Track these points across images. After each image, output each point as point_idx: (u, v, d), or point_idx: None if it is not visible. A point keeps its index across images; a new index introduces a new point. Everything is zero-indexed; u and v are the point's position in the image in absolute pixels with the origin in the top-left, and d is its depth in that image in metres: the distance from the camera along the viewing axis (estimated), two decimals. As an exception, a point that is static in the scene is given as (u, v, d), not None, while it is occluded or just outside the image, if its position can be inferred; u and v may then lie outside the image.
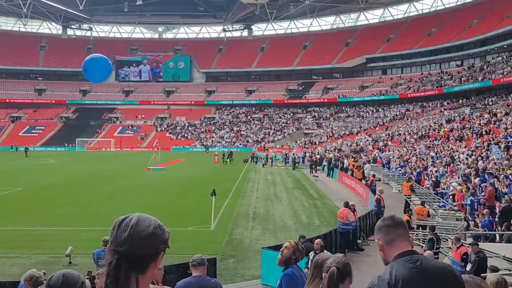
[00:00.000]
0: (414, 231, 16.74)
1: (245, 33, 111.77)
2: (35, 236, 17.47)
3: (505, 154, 24.40)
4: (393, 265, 2.71)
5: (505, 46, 66.74)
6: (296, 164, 49.12)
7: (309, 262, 11.16)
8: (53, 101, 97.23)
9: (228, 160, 52.33)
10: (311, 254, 11.46)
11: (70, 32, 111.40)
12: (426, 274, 2.59)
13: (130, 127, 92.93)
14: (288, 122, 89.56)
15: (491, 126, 38.87)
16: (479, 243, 12.38)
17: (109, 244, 1.78)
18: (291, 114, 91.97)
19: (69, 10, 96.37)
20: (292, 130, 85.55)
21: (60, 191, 28.74)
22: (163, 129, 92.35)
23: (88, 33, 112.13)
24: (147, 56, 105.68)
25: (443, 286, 2.60)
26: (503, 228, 14.26)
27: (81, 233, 17.32)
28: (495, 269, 9.18)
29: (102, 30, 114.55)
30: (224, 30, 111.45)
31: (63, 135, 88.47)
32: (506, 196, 16.20)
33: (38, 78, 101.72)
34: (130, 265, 1.73)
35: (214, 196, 18.69)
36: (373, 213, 19.27)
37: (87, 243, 14.97)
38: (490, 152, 27.38)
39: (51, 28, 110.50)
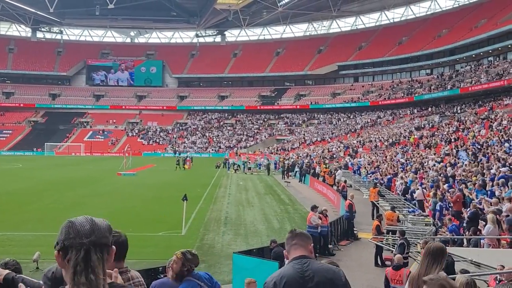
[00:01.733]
0: (384, 235, 16.91)
1: (218, 38, 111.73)
2: (1, 241, 17.10)
3: (472, 160, 24.89)
4: (283, 267, 3.37)
5: (473, 56, 68.27)
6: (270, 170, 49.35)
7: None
8: (21, 105, 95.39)
9: (183, 166, 51.36)
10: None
11: (39, 35, 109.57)
12: (310, 273, 3.21)
13: (101, 132, 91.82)
14: (261, 128, 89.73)
15: (460, 133, 39.67)
16: (447, 247, 12.56)
17: (69, 241, 1.88)
18: (264, 120, 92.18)
19: (39, 12, 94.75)
20: (265, 136, 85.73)
21: (28, 197, 28.18)
22: (135, 134, 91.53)
23: (59, 36, 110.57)
24: (117, 62, 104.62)
25: (322, 283, 3.19)
26: (470, 233, 14.50)
27: (49, 238, 16.93)
28: (465, 273, 9.32)
29: (72, 34, 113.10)
30: (197, 36, 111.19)
31: (32, 139, 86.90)
32: (473, 202, 16.49)
33: (6, 81, 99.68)
34: (99, 252, 1.90)
35: (185, 201, 18.57)
36: (344, 218, 19.43)
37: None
38: (459, 158, 27.91)
39: (20, 30, 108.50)
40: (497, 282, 9.05)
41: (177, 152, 76.00)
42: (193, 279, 4.76)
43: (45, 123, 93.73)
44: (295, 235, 3.51)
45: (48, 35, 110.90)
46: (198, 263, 4.88)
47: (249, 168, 51.92)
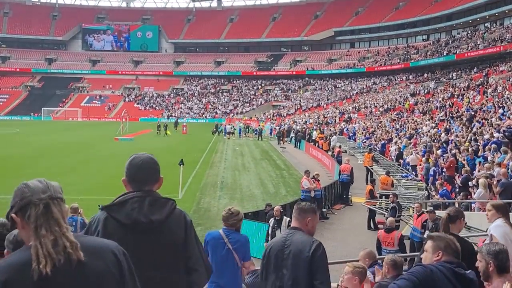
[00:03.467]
0: (377, 200, 17.27)
1: (214, 3, 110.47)
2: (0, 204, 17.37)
3: (465, 128, 25.12)
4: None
5: (470, 21, 67.90)
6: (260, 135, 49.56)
7: (269, 228, 11.62)
8: (17, 69, 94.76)
9: (165, 131, 49.93)
10: (271, 220, 11.87)
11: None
12: (289, 242, 3.80)
13: (97, 97, 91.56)
14: (257, 94, 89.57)
15: (455, 99, 39.84)
16: (438, 211, 12.91)
17: (26, 199, 1.93)
18: (260, 86, 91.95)
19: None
20: (261, 102, 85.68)
21: (25, 161, 28.38)
22: (131, 100, 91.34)
23: (53, 0, 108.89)
24: (112, 26, 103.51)
25: (293, 252, 3.76)
26: (461, 197, 14.83)
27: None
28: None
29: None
30: (193, 0, 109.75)
31: (29, 104, 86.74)
32: (465, 167, 16.78)
33: (2, 46, 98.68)
34: (58, 205, 1.95)
35: (182, 165, 18.84)
36: (343, 182, 19.77)
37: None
38: (452, 125, 28.16)
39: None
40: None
41: (169, 117, 75.76)
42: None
43: (41, 88, 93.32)
44: (296, 209, 4.01)
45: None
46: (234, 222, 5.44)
47: (245, 134, 52.14)
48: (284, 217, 11.94)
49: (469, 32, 66.43)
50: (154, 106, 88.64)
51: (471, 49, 58.56)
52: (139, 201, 2.69)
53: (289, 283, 3.73)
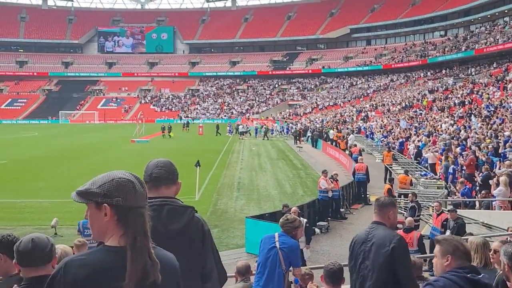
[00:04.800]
0: (396, 199, 17.00)
1: (228, 3, 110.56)
2: (19, 208, 17.49)
3: (485, 124, 24.71)
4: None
5: (488, 16, 66.93)
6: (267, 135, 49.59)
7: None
8: (35, 74, 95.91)
9: (168, 133, 49.23)
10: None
11: (50, 2, 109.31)
12: (371, 236, 4.07)
13: (114, 99, 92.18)
14: (273, 93, 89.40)
15: (474, 96, 39.26)
16: (459, 210, 12.66)
17: (131, 202, 1.92)
18: (276, 85, 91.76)
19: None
20: (277, 102, 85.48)
21: (44, 164, 28.62)
22: (147, 101, 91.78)
23: (69, 4, 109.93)
24: (127, 28, 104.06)
25: (375, 245, 4.00)
26: (482, 195, 14.54)
27: (66, 204, 17.30)
28: (470, 235, 9.43)
29: (83, 1, 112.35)
30: (207, 1, 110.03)
31: (46, 107, 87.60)
32: (486, 165, 16.47)
33: (19, 50, 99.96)
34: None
35: (198, 167, 18.76)
36: (359, 182, 19.50)
37: (72, 214, 15.00)
38: (471, 121, 27.74)
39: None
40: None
41: (182, 118, 75.80)
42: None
43: (58, 92, 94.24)
44: (376, 204, 4.28)
45: (59, 3, 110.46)
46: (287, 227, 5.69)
47: (265, 134, 51.82)
48: (301, 218, 11.76)
49: (488, 27, 65.46)
50: (170, 107, 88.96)
51: (490, 44, 57.69)
52: (157, 209, 2.66)
53: (370, 274, 4.04)
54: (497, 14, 65.48)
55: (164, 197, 2.75)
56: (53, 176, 24.31)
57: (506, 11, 63.62)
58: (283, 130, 55.82)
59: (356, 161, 23.27)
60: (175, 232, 2.67)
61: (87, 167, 27.26)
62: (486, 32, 63.55)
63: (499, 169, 15.79)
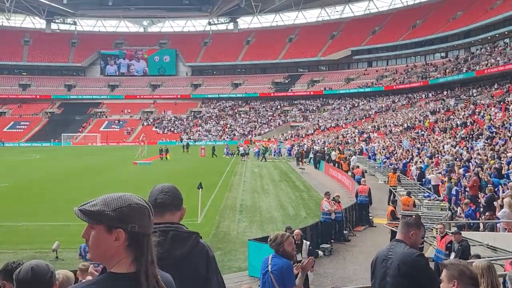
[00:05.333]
0: (399, 221, 16.87)
1: (230, 26, 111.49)
2: (20, 231, 17.42)
3: (488, 145, 24.68)
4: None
5: (489, 38, 67.32)
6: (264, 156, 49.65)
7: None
8: (38, 96, 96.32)
9: (165, 156, 48.72)
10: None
11: (54, 26, 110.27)
12: (391, 254, 4.11)
13: (116, 121, 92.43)
14: (275, 115, 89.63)
15: (476, 117, 39.29)
16: (463, 232, 12.56)
17: (143, 229, 1.89)
18: (278, 107, 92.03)
19: (52, 4, 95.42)
20: (279, 123, 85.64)
21: (46, 186, 28.60)
22: (150, 123, 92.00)
23: (73, 27, 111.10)
24: (130, 51, 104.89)
25: (395, 262, 4.04)
26: (486, 217, 14.45)
27: (67, 228, 17.25)
28: (477, 257, 9.33)
29: (86, 24, 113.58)
30: (209, 24, 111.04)
31: (49, 130, 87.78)
32: (489, 186, 16.39)
33: (23, 73, 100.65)
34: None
35: (200, 189, 18.71)
36: (361, 204, 19.40)
37: (73, 237, 14.92)
38: (474, 143, 27.69)
39: (35, 22, 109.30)
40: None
41: (183, 140, 75.62)
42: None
43: (61, 114, 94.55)
44: (401, 222, 4.40)
45: (62, 27, 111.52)
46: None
47: (263, 155, 51.99)
48: (304, 241, 11.68)
49: (488, 48, 65.83)
50: (172, 129, 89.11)
51: (491, 65, 57.94)
52: (161, 235, 2.62)
53: None
54: (497, 36, 65.88)
55: (168, 222, 2.73)
56: (54, 199, 24.26)
57: (506, 33, 63.99)
58: (279, 152, 55.75)
59: (359, 182, 23.20)
60: (180, 258, 2.65)
61: (89, 189, 27.20)
62: (487, 53, 63.88)
63: (503, 192, 15.71)
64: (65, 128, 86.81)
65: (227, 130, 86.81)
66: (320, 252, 14.49)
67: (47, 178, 33.26)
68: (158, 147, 53.17)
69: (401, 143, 39.17)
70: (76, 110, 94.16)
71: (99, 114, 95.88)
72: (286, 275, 5.46)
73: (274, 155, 54.37)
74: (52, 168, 39.63)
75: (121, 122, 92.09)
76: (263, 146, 55.76)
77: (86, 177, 33.49)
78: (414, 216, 4.70)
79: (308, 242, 11.92)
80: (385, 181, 27.47)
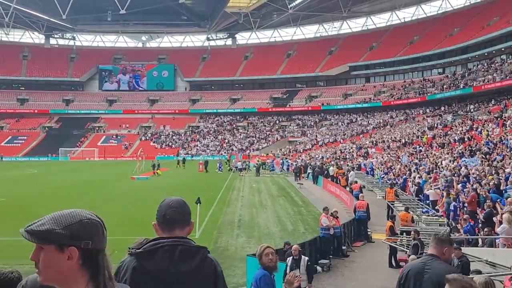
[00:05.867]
0: (398, 236, 16.85)
1: (229, 41, 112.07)
2: (17, 246, 17.23)
3: (486, 161, 24.69)
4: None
5: (486, 54, 67.73)
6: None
7: (287, 267, 11.25)
8: (35, 111, 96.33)
9: (156, 171, 48.33)
10: (289, 259, 11.53)
11: (53, 41, 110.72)
12: (428, 268, 4.10)
13: (114, 136, 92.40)
14: (273, 130, 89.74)
15: (473, 132, 39.38)
16: (462, 247, 12.51)
17: (103, 245, 1.86)
18: (276, 122, 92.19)
19: (52, 19, 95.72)
20: (277, 138, 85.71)
21: (43, 201, 28.42)
22: (147, 138, 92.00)
23: (71, 43, 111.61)
24: (128, 66, 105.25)
25: (432, 278, 3.98)
26: (485, 232, 14.41)
27: (65, 243, 17.10)
28: (478, 272, 9.29)
29: (85, 39, 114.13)
30: (208, 39, 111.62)
31: (46, 145, 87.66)
32: (487, 201, 16.38)
33: (21, 88, 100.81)
34: None
35: (198, 204, 18.63)
36: (359, 219, 19.35)
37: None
38: (468, 162, 27.71)
39: (34, 37, 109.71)
40: (512, 282, 8.99)
41: (179, 154, 75.16)
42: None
43: (59, 129, 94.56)
44: (434, 238, 4.38)
45: (61, 42, 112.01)
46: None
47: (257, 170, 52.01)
48: (303, 256, 11.62)
49: (485, 64, 66.22)
50: (170, 144, 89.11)
51: (488, 81, 58.23)
52: (170, 250, 2.62)
53: None
54: (494, 52, 66.29)
55: (177, 237, 2.70)
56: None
57: (503, 49, 64.43)
58: (286, 167, 55.64)
59: (357, 198, 23.17)
60: (188, 273, 2.63)
61: (87, 204, 27.10)
62: (484, 69, 64.23)
63: (501, 208, 15.68)
64: (62, 142, 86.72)
65: (225, 145, 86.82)
66: (319, 268, 14.41)
67: (44, 193, 33.10)
68: (151, 163, 51.95)
69: (399, 159, 39.18)
70: (74, 125, 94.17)
71: (97, 129, 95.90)
72: (262, 283, 5.59)
73: (273, 170, 54.26)
74: (48, 183, 39.48)
75: (119, 137, 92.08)
76: (258, 161, 55.78)
77: (83, 192, 33.36)
78: (446, 233, 4.70)
79: (307, 258, 11.86)
80: (383, 197, 27.43)
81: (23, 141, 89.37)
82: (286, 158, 61.01)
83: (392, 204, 23.18)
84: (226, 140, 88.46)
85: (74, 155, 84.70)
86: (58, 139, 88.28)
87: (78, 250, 1.74)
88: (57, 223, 1.76)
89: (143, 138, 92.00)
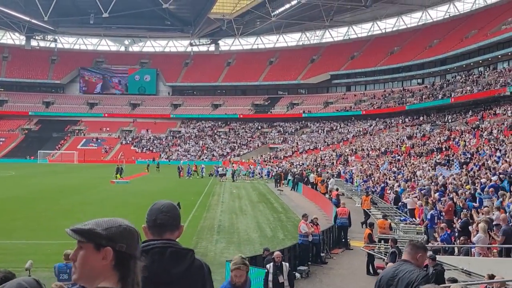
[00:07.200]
0: (376, 244, 17.03)
1: (212, 47, 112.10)
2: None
3: (464, 170, 25.11)
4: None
5: (464, 66, 68.91)
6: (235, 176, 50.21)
7: (269, 274, 11.35)
8: (15, 113, 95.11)
9: (117, 175, 46.20)
10: (270, 266, 11.62)
11: (34, 43, 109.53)
12: (398, 272, 4.25)
13: (94, 139, 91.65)
14: (254, 136, 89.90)
15: (451, 143, 39.98)
16: (438, 256, 12.72)
17: (138, 252, 1.98)
18: (257, 128, 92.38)
19: (33, 21, 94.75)
20: (258, 145, 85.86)
21: (20, 204, 28.11)
22: (128, 142, 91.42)
23: (53, 45, 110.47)
24: (110, 70, 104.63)
25: (402, 280, 4.13)
26: (461, 241, 14.65)
27: (42, 246, 17.01)
28: (454, 281, 9.49)
29: (67, 42, 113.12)
30: (191, 45, 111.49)
31: (25, 147, 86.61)
32: (464, 211, 16.67)
33: (0, 89, 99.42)
34: None
35: (179, 209, 18.61)
36: (340, 226, 19.50)
37: (48, 257, 14.73)
38: (448, 169, 28.14)
39: (15, 38, 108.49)
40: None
41: (154, 160, 73.73)
42: None
43: (38, 131, 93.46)
44: (408, 244, 4.59)
45: (42, 43, 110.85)
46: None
47: (239, 175, 52.32)
48: (284, 263, 11.72)
49: (463, 76, 67.35)
50: (151, 148, 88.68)
51: (466, 93, 59.20)
52: (159, 253, 2.65)
53: None
54: (472, 64, 67.49)
55: (166, 239, 2.74)
56: (29, 217, 23.89)
57: (480, 61, 65.64)
58: (260, 173, 55.83)
59: (336, 205, 23.37)
60: (178, 275, 2.67)
61: (65, 207, 26.89)
62: (462, 81, 65.31)
63: (477, 217, 15.98)
64: (42, 145, 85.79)
65: (205, 150, 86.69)
66: (297, 274, 14.52)
67: (22, 195, 32.69)
68: (115, 167, 49.00)
69: (378, 167, 39.56)
70: (54, 127, 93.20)
71: (77, 131, 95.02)
72: None
73: (252, 176, 54.34)
74: (27, 186, 39.00)
75: (99, 140, 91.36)
76: (232, 166, 55.87)
77: (62, 195, 33.05)
78: (420, 240, 4.90)
79: (287, 264, 11.97)
80: (361, 204, 27.68)
81: (1, 143, 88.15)
82: (269, 166, 61.15)
83: (369, 212, 23.44)
84: (207, 146, 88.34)
85: (53, 157, 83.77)
86: (37, 142, 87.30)
87: (113, 251, 1.87)
88: (98, 225, 1.90)
89: (123, 142, 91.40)
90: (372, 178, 34.59)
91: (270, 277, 11.37)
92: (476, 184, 20.66)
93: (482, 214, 15.69)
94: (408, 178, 29.30)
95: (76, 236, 1.89)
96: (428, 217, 18.55)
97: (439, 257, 12.51)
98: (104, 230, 1.89)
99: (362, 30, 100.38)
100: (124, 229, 1.92)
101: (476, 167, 25.38)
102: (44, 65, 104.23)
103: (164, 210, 2.81)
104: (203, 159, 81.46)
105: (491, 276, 9.50)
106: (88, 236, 1.88)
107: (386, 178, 32.24)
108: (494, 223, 14.28)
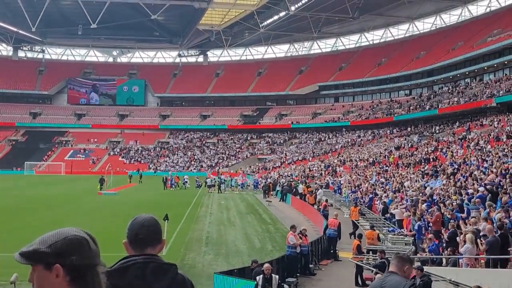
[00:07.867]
0: (365, 255, 17.05)
1: (200, 58, 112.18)
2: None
3: (451, 181, 25.24)
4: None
5: (450, 77, 69.61)
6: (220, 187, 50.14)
7: (258, 286, 11.31)
8: (1, 124, 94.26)
9: (101, 186, 46.29)
10: (259, 278, 11.60)
11: (21, 53, 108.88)
12: (385, 283, 4.28)
13: (82, 150, 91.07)
14: (242, 147, 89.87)
15: (438, 153, 40.24)
16: (426, 267, 12.76)
17: (94, 261, 1.87)
18: (246, 139, 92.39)
19: (20, 31, 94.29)
20: (246, 155, 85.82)
21: (6, 216, 27.81)
22: (116, 153, 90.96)
23: (40, 55, 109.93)
24: (98, 81, 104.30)
25: None
26: (448, 252, 14.71)
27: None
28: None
29: (54, 53, 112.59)
30: (179, 56, 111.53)
31: (11, 158, 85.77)
32: (452, 221, 16.74)
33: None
34: None
35: (166, 220, 18.53)
36: (330, 237, 19.50)
37: (34, 269, 14.50)
38: (436, 180, 28.30)
39: (1, 49, 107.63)
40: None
41: (139, 170, 72.67)
42: None
43: (25, 142, 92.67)
44: (395, 257, 4.72)
45: (29, 54, 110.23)
46: None
47: (231, 187, 52.31)
48: (273, 275, 11.70)
49: (450, 87, 68.01)
50: (139, 159, 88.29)
51: (453, 104, 59.73)
52: (141, 268, 2.57)
53: None
54: (458, 75, 68.21)
55: (148, 254, 2.71)
56: (16, 228, 23.63)
57: (467, 73, 66.36)
58: (247, 185, 55.84)
59: (325, 216, 23.39)
60: None
61: (52, 219, 26.63)
62: (449, 92, 65.93)
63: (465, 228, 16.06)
64: (29, 156, 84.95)
65: (194, 161, 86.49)
66: (286, 286, 14.48)
67: (8, 207, 32.33)
68: (98, 178, 48.63)
69: (367, 178, 39.69)
70: (41, 139, 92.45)
71: (64, 142, 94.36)
72: None
73: (242, 187, 54.27)
74: (12, 198, 38.59)
75: (86, 152, 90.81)
76: (220, 177, 55.75)
77: (49, 206, 32.75)
78: (407, 253, 4.98)
79: (277, 276, 11.94)
80: (349, 215, 27.71)
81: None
82: (257, 176, 61.14)
83: (357, 222, 23.48)
84: (196, 157, 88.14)
85: (40, 169, 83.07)
86: (24, 153, 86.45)
87: (63, 267, 1.75)
88: (43, 242, 1.79)
89: (111, 153, 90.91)
90: (361, 189, 34.68)
91: (261, 289, 11.35)
92: (463, 195, 20.80)
93: (470, 225, 15.78)
94: (396, 188, 29.41)
95: (23, 261, 1.79)
96: (416, 228, 18.62)
97: (426, 268, 12.55)
98: (48, 247, 1.77)
99: (350, 41, 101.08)
100: (70, 240, 1.80)
101: (463, 178, 25.54)
102: (31, 76, 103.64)
103: (146, 224, 2.72)
104: (191, 170, 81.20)
105: (478, 287, 9.55)
106: (33, 258, 1.77)
107: (375, 189, 32.33)
108: (481, 233, 14.35)
